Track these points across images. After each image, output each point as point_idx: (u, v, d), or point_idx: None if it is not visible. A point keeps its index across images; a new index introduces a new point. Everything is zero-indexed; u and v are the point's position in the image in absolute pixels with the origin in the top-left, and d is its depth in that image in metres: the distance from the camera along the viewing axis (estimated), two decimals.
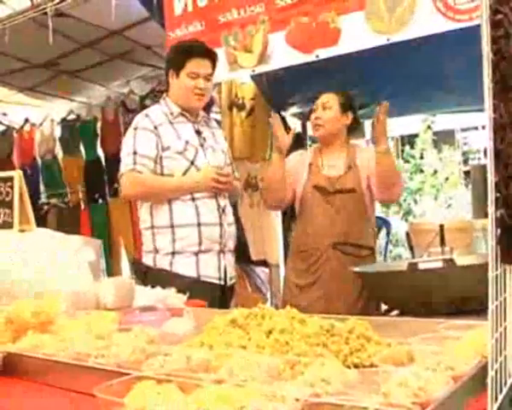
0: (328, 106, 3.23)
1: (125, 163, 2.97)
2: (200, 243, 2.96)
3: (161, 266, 2.97)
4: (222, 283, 3.04)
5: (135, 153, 2.94)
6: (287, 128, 5.47)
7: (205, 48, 3.13)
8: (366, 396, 0.96)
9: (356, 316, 1.56)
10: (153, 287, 2.46)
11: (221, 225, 3.01)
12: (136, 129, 3.01)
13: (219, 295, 2.99)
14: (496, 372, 0.97)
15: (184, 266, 2.94)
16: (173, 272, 2.93)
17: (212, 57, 3.11)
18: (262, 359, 1.18)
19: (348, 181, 3.17)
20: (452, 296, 2.27)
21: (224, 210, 3.04)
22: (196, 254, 2.96)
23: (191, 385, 1.06)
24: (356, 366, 1.29)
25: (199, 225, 2.96)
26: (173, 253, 2.95)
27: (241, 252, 4.94)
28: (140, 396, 1.02)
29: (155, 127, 2.98)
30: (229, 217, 3.10)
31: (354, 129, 3.40)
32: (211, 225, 2.98)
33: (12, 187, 2.77)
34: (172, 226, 2.95)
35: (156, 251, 2.99)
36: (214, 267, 3.01)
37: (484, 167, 4.99)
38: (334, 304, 3.02)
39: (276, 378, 1.11)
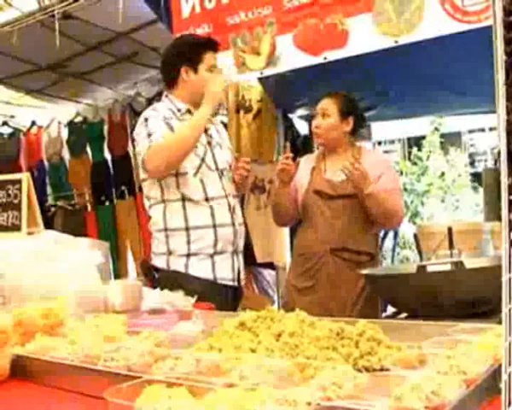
0: (328, 113, 3.21)
1: (143, 147, 2.86)
2: (215, 245, 2.94)
3: (175, 268, 2.92)
4: (236, 284, 3.03)
5: (149, 135, 2.85)
6: (293, 132, 5.52)
7: (215, 41, 3.14)
8: (378, 400, 0.96)
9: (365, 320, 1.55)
10: (162, 289, 2.46)
11: (233, 225, 3.00)
12: (146, 119, 2.92)
13: (233, 296, 2.99)
14: (509, 376, 0.96)
15: (200, 269, 2.92)
16: (189, 274, 2.90)
17: (218, 49, 3.12)
18: (272, 362, 1.18)
19: (350, 186, 3.13)
20: (461, 299, 2.26)
21: (234, 210, 3.04)
22: (212, 255, 2.94)
23: (201, 389, 1.06)
24: (366, 370, 1.29)
25: (214, 226, 2.94)
26: (188, 255, 2.92)
27: (248, 254, 4.94)
28: (150, 400, 1.02)
29: (165, 118, 2.93)
30: (240, 217, 3.09)
31: (360, 131, 3.38)
32: (225, 225, 2.96)
33: (20, 189, 2.78)
34: (187, 229, 2.93)
35: (170, 253, 2.95)
36: (229, 269, 2.99)
37: (496, 170, 4.97)
38: (330, 309, 3.01)
39: (286, 382, 1.10)
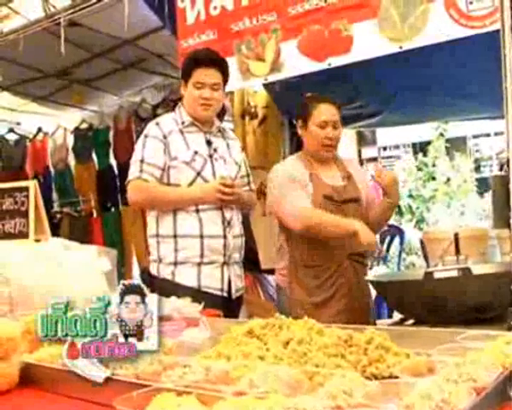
0: (338, 125, 3.05)
1: (132, 170, 3.00)
2: (202, 255, 2.95)
3: (164, 276, 2.97)
4: (225, 295, 3.01)
5: (142, 161, 2.96)
6: (299, 138, 5.50)
7: (210, 57, 3.08)
8: (388, 409, 0.95)
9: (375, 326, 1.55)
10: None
11: (225, 237, 2.99)
12: (146, 137, 3.02)
13: (223, 307, 2.93)
14: None
15: (186, 277, 2.94)
16: (175, 282, 2.93)
17: (218, 66, 3.05)
18: (281, 370, 1.18)
19: (352, 191, 3.07)
20: (468, 305, 2.26)
21: (229, 222, 3.01)
22: (198, 265, 2.95)
23: (211, 397, 1.06)
24: (375, 377, 1.29)
25: (201, 236, 2.94)
26: (175, 263, 2.95)
27: (254, 261, 4.93)
28: (160, 408, 1.02)
29: (164, 136, 2.98)
30: (235, 229, 3.06)
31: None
32: (214, 237, 2.96)
33: (27, 197, 2.79)
34: (175, 236, 2.95)
35: (160, 260, 2.99)
36: (217, 279, 2.98)
37: (504, 177, 4.95)
38: (357, 315, 2.94)
39: (296, 390, 1.10)
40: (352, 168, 3.18)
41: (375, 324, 2.93)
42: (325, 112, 3.05)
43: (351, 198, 3.07)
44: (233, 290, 3.03)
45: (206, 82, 3.00)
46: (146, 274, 3.23)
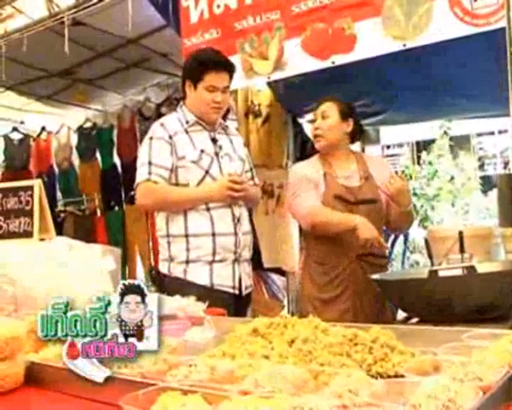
0: (327, 115, 3.13)
1: (140, 173, 2.98)
2: (214, 253, 2.95)
3: (176, 275, 2.97)
4: (236, 292, 3.01)
5: (150, 163, 2.95)
6: (303, 136, 5.51)
7: (223, 61, 3.07)
8: (395, 408, 0.95)
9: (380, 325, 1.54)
10: (169, 295, 2.46)
11: (236, 234, 3.00)
12: (151, 139, 3.01)
13: (234, 304, 2.96)
14: None
15: (198, 275, 2.94)
16: (187, 281, 2.93)
17: (229, 69, 3.05)
18: (287, 369, 1.17)
19: (368, 191, 3.07)
20: (473, 304, 2.26)
21: (238, 219, 3.02)
22: (210, 263, 2.95)
23: (217, 396, 1.06)
24: (380, 376, 1.28)
25: (213, 234, 2.95)
26: (187, 261, 2.95)
27: (258, 259, 4.93)
28: (166, 407, 1.02)
29: (170, 137, 2.98)
30: (245, 226, 3.07)
31: (357, 138, 3.33)
32: (225, 234, 2.97)
33: (32, 196, 2.79)
34: (187, 236, 2.95)
35: (171, 259, 2.99)
36: (228, 276, 2.99)
37: (509, 176, 4.94)
38: (365, 315, 2.93)
39: (301, 389, 1.10)
40: (374, 167, 3.17)
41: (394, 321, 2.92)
42: (320, 107, 3.19)
43: (365, 199, 3.07)
44: (243, 288, 3.04)
45: (218, 86, 3.00)
46: (153, 272, 3.24)
